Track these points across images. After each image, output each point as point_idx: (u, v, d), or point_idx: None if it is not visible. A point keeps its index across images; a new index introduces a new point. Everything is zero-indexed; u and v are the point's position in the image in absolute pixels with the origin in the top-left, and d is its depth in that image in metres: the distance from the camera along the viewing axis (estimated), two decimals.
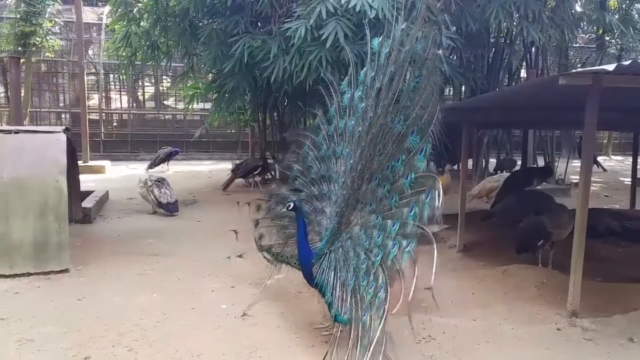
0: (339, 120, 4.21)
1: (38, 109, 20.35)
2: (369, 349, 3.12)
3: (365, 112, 3.88)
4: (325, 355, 3.45)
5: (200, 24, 11.25)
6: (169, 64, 14.15)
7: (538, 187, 8.95)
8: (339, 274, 3.67)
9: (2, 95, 20.41)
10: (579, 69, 4.46)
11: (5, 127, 7.87)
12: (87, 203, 8.37)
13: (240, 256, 5.13)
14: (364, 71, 4.07)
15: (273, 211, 4.65)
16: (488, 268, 5.82)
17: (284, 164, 4.80)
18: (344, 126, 4.14)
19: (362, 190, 3.78)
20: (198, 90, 13.96)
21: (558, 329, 4.22)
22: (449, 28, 8.97)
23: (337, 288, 3.63)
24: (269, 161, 12.66)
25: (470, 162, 11.79)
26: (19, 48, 16.67)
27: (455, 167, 11.23)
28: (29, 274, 5.39)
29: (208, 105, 17.93)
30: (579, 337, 4.07)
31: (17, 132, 6.09)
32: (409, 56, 3.64)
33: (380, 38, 3.97)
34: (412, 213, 3.43)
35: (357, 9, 8.08)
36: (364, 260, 3.55)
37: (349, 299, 3.49)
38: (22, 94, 15.41)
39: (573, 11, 11.36)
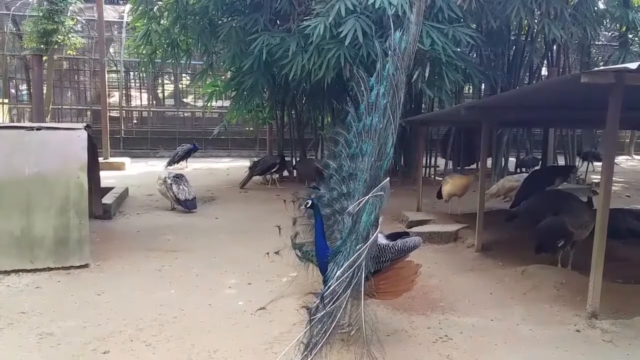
0: (366, 117, 4.19)
1: (60, 106, 20.62)
2: None
3: (386, 109, 3.86)
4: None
5: (220, 22, 11.33)
6: (188, 62, 14.26)
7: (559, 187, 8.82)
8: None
9: (25, 92, 20.73)
10: (601, 67, 4.38)
11: (27, 123, 7.98)
12: (107, 199, 8.44)
13: (277, 253, 5.13)
14: (388, 66, 4.04)
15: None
16: (506, 268, 5.77)
17: (323, 162, 4.85)
18: (369, 123, 4.12)
19: (372, 189, 3.71)
20: (217, 88, 14.02)
21: (577, 330, 4.16)
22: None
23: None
24: (286, 159, 12.66)
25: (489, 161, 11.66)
26: (42, 45, 16.88)
27: (474, 166, 11.13)
28: (50, 269, 5.46)
29: (227, 103, 18.03)
30: (599, 339, 4.01)
31: (39, 128, 6.18)
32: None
33: (400, 32, 3.94)
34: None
35: (377, 5, 8.06)
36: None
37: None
38: (44, 91, 15.63)
39: (596, 8, 11.19)
